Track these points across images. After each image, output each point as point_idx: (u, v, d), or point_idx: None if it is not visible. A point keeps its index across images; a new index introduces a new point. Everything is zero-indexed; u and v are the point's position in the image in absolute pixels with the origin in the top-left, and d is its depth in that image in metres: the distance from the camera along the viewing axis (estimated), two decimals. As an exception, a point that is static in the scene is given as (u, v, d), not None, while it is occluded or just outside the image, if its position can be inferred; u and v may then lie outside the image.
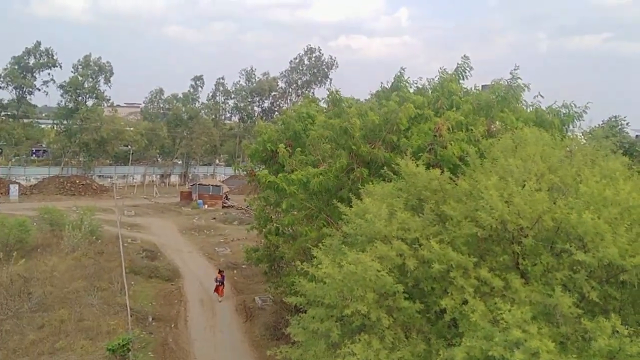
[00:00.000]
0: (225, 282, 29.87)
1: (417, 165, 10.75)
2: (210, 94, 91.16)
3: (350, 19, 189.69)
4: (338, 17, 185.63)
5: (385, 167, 13.78)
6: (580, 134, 19.93)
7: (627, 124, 37.84)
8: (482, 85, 22.77)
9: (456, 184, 10.31)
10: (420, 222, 9.70)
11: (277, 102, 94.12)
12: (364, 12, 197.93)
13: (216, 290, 29.31)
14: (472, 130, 15.66)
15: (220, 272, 30.15)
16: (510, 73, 17.68)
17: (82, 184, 68.36)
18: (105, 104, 74.49)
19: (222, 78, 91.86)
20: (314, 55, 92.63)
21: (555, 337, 7.32)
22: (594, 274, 8.25)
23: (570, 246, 8.11)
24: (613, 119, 36.17)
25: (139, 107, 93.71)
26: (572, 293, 8.01)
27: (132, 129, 76.35)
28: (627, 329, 7.07)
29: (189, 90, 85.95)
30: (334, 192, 17.53)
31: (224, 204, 63.81)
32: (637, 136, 47.15)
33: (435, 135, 16.15)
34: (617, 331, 7.02)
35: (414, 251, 9.35)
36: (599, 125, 36.90)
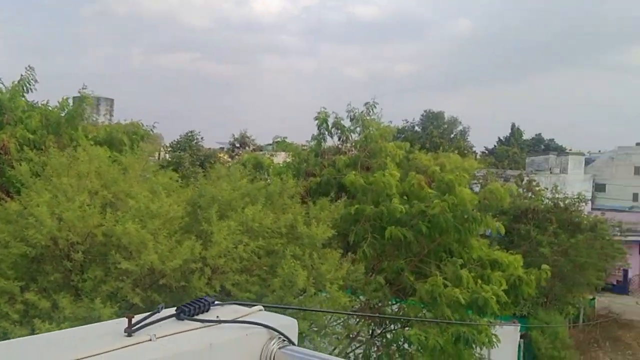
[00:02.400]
0: None
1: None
2: None
3: None
4: None
5: None
6: (162, 149, 21.57)
7: (202, 138, 42.64)
8: (74, 97, 21.84)
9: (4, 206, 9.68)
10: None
11: None
12: None
13: None
14: (42, 148, 14.97)
15: None
16: (79, 91, 17.51)
17: None
18: None
19: None
20: None
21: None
22: (140, 282, 9.01)
23: (119, 257, 8.66)
24: (190, 134, 40.05)
25: None
26: (119, 302, 8.55)
27: None
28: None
29: None
30: None
31: None
32: (221, 148, 53.45)
33: (1, 153, 14.90)
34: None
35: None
36: (178, 138, 40.54)
